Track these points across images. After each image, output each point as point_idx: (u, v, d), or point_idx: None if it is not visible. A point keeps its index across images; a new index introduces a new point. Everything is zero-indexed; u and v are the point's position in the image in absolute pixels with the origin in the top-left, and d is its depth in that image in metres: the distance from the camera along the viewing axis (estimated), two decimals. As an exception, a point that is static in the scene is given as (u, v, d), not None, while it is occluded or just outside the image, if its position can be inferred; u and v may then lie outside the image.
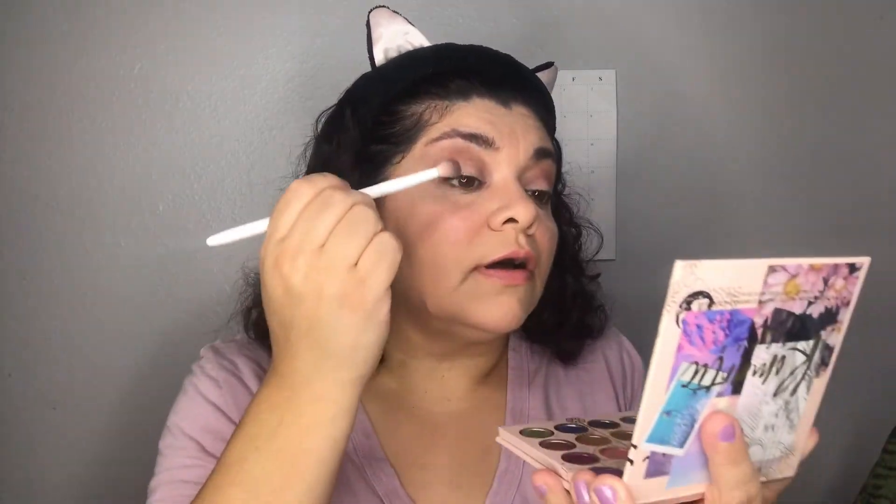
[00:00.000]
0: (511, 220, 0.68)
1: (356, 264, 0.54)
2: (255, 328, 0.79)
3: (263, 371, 0.76)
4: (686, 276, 0.43)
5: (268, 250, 0.55)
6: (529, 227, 0.68)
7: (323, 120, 0.79)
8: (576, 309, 0.83)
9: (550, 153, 0.73)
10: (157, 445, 1.08)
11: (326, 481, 0.57)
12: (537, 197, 0.73)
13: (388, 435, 0.74)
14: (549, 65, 0.83)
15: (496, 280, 0.67)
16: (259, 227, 0.58)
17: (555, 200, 0.81)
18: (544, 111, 0.76)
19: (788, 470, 0.54)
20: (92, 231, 1.08)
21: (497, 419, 0.78)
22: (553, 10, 1.14)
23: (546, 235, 0.72)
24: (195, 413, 0.72)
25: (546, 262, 0.73)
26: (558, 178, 0.83)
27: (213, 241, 0.59)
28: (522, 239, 0.68)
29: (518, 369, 0.82)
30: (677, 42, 1.17)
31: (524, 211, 0.67)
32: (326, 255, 0.53)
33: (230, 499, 0.55)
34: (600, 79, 1.14)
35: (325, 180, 0.56)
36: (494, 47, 0.77)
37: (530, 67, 0.78)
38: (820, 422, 0.55)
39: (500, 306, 0.68)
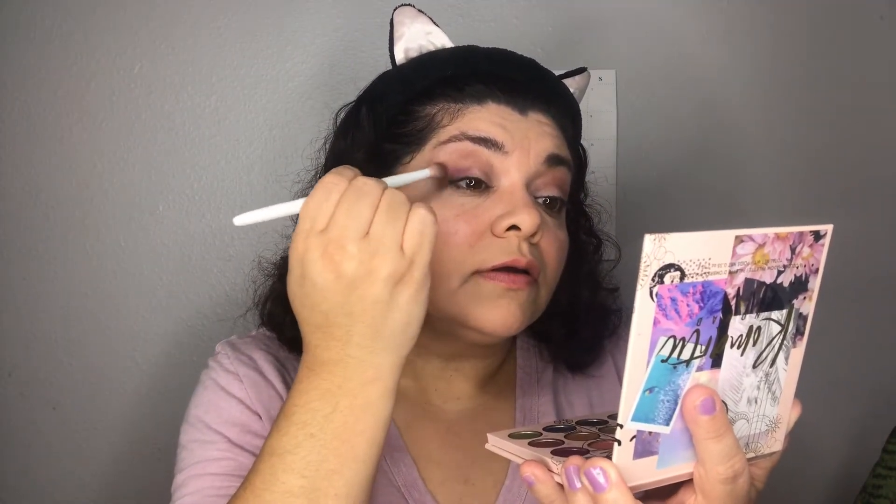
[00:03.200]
0: (514, 227, 0.67)
1: (402, 244, 0.56)
2: (269, 318, 0.79)
3: (281, 364, 0.76)
4: (656, 249, 0.44)
5: (309, 243, 0.57)
6: (533, 235, 0.68)
7: (342, 115, 0.80)
8: (589, 323, 0.82)
9: (565, 161, 0.72)
10: (156, 444, 1.09)
11: (375, 461, 0.58)
12: (548, 205, 0.72)
13: (406, 429, 0.75)
14: (580, 70, 0.82)
15: (497, 283, 0.67)
16: (288, 208, 0.60)
17: (573, 209, 0.80)
18: (565, 119, 0.75)
19: (776, 444, 0.54)
20: (92, 231, 1.08)
21: (508, 417, 0.78)
22: (553, 10, 1.14)
23: (553, 245, 0.71)
24: (219, 407, 0.73)
25: (552, 272, 0.72)
26: (580, 186, 0.82)
27: (240, 220, 0.60)
28: (525, 247, 0.68)
29: (526, 368, 0.82)
30: (677, 42, 1.17)
31: (528, 219, 0.66)
32: (374, 239, 0.56)
33: (289, 486, 0.56)
34: (600, 79, 1.14)
35: (352, 171, 0.59)
36: (494, 47, 0.77)
37: (536, 68, 0.77)
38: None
39: (499, 309, 0.67)
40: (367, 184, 0.57)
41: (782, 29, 1.19)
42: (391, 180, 0.63)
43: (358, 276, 0.55)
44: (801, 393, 0.55)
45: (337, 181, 0.57)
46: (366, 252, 0.55)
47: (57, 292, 1.08)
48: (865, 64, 1.21)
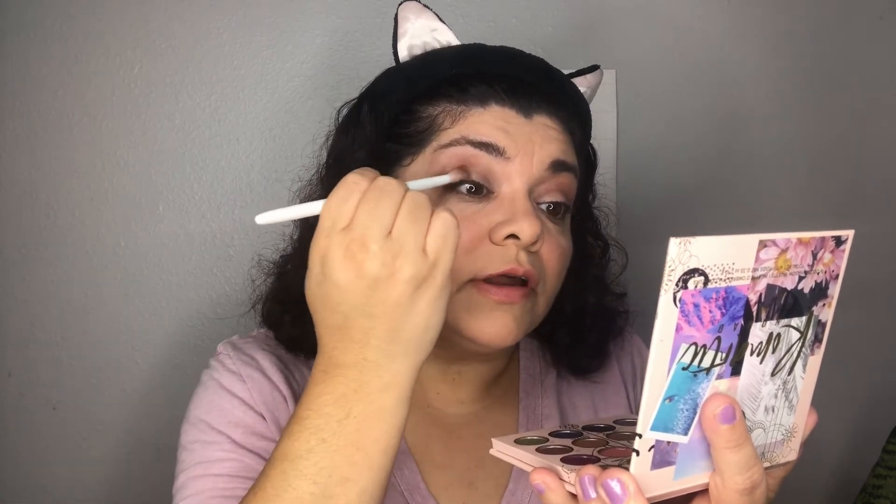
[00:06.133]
0: (513, 235, 0.66)
1: (424, 246, 0.55)
2: (267, 317, 0.78)
3: (284, 365, 0.75)
4: (681, 253, 0.43)
5: (331, 240, 0.55)
6: (533, 244, 0.66)
7: (343, 112, 0.78)
8: (595, 330, 0.80)
9: (570, 167, 0.71)
10: (157, 445, 1.09)
11: (389, 468, 0.57)
12: (551, 211, 0.70)
13: (409, 432, 0.74)
14: (593, 68, 0.79)
15: (490, 296, 0.66)
16: (310, 208, 0.58)
17: (580, 212, 0.78)
18: (573, 121, 0.73)
19: (791, 453, 0.53)
20: (92, 231, 1.08)
21: (511, 420, 0.78)
22: (552, 10, 1.14)
23: (554, 253, 0.69)
24: (222, 407, 0.71)
25: (552, 280, 0.70)
26: (588, 188, 0.80)
27: (262, 219, 0.58)
28: (523, 256, 0.66)
29: (530, 370, 0.81)
30: (678, 42, 1.17)
31: (527, 227, 0.65)
32: (397, 240, 0.54)
33: (300, 492, 0.55)
34: (600, 79, 1.14)
35: (374, 171, 0.57)
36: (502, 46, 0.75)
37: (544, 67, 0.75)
38: (821, 422, 0.55)
39: (493, 322, 0.66)
40: (390, 184, 0.55)
41: (783, 29, 1.18)
42: (413, 184, 0.61)
43: (380, 276, 0.54)
44: (801, 393, 0.54)
45: (358, 180, 0.55)
46: (388, 252, 0.54)
47: (57, 292, 1.08)
48: (865, 64, 1.21)
